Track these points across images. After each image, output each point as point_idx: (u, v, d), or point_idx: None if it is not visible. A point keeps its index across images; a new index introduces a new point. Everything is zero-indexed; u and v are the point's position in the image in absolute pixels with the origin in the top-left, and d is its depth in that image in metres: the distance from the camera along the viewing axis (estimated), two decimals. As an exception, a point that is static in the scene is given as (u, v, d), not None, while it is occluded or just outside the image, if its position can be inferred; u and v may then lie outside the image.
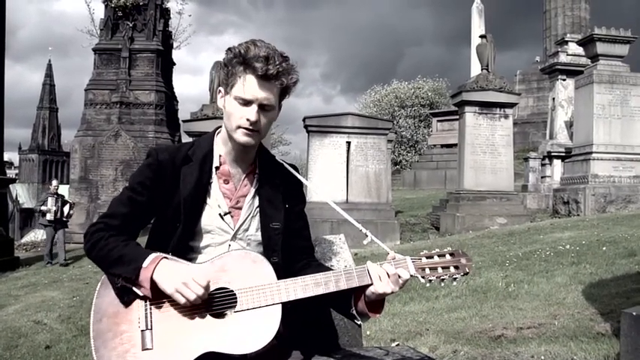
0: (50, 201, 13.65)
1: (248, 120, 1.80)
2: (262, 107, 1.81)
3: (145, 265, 1.71)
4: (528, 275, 5.99)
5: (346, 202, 11.82)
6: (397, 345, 3.93)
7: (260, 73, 1.77)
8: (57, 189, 14.33)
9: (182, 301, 1.68)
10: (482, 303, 5.17)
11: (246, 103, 1.80)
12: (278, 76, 1.79)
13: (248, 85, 1.79)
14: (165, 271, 1.71)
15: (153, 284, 1.70)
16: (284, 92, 1.86)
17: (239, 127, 1.81)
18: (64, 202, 14.02)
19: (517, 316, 4.57)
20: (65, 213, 13.85)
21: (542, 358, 3.56)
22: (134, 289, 1.72)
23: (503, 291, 5.51)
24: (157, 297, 1.72)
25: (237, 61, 1.79)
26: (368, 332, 4.41)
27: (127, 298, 1.74)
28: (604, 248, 6.79)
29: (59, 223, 13.77)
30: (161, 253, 1.75)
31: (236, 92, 1.80)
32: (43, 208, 13.80)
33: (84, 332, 5.85)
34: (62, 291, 8.91)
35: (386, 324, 4.75)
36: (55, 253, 13.97)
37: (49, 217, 13.54)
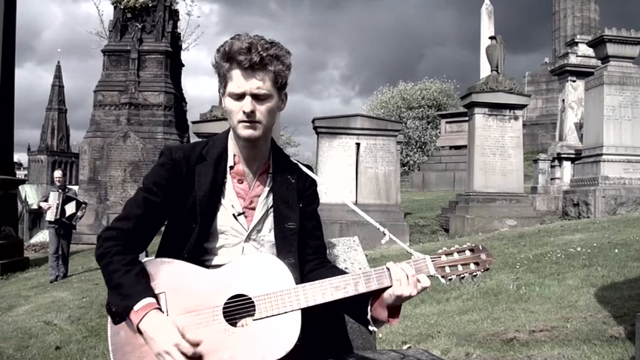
0: (52, 196, 10.65)
1: (244, 112, 1.78)
2: (256, 97, 1.79)
3: (136, 308, 1.65)
4: (539, 278, 5.96)
5: (355, 204, 11.67)
6: (409, 348, 3.92)
7: (245, 65, 1.77)
8: (61, 181, 11.11)
9: None
10: (494, 305, 5.15)
11: (239, 97, 1.79)
12: (263, 63, 1.78)
13: (236, 80, 1.79)
14: (153, 325, 1.64)
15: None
16: (277, 79, 1.82)
17: (239, 121, 1.80)
18: (67, 199, 10.78)
19: (529, 319, 4.55)
20: (67, 213, 10.70)
21: (556, 361, 3.54)
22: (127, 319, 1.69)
23: (514, 293, 5.48)
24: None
25: (224, 59, 1.80)
26: (380, 335, 4.39)
27: (119, 319, 1.70)
28: (615, 250, 6.75)
29: (62, 226, 10.75)
30: (154, 301, 1.67)
31: (229, 89, 1.80)
32: (43, 204, 10.83)
33: (94, 333, 5.86)
34: (72, 292, 8.93)
35: (397, 326, 4.72)
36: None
37: (50, 216, 10.60)
